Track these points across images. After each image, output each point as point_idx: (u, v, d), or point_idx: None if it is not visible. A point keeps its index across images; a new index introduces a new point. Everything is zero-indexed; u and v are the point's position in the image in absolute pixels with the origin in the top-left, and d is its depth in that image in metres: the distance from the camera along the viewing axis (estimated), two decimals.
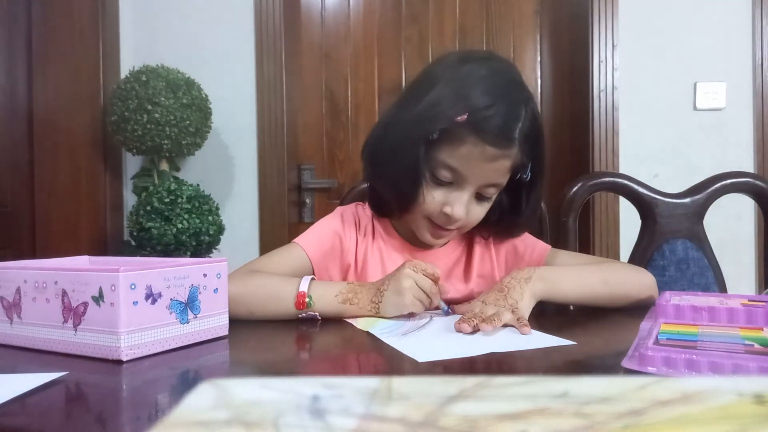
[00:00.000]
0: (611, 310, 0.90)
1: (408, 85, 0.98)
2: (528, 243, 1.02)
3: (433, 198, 0.90)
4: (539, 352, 0.66)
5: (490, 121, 0.84)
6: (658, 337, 0.60)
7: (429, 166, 0.89)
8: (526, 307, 0.81)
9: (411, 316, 0.83)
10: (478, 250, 1.03)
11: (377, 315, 0.83)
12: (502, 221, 0.98)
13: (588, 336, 0.78)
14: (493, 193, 0.91)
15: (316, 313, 0.84)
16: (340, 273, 1.01)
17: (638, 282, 0.93)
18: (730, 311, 0.67)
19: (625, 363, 0.55)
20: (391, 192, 0.95)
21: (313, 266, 0.97)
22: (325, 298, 0.84)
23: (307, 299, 0.83)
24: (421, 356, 0.63)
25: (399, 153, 0.90)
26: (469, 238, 1.03)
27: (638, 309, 0.86)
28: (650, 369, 0.53)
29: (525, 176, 0.91)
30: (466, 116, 0.84)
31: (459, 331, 0.74)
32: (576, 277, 0.89)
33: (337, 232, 1.00)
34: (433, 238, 0.95)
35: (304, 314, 0.84)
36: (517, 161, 0.88)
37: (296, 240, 0.98)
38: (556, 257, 1.00)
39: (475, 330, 0.73)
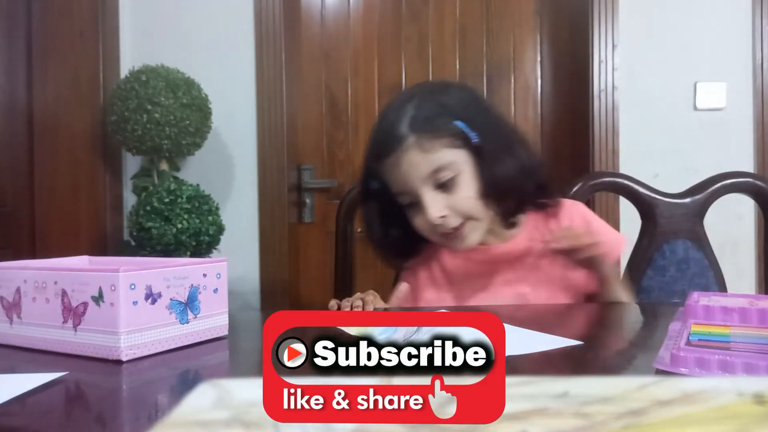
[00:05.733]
0: (616, 311, 0.90)
1: None
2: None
3: (418, 222, 0.96)
4: (541, 352, 0.66)
5: (376, 143, 0.96)
6: (690, 337, 0.59)
7: (397, 203, 0.97)
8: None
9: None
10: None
11: None
12: (499, 194, 0.97)
13: (590, 336, 0.78)
14: (446, 176, 0.92)
15: None
16: None
17: None
18: (761, 312, 0.65)
19: (657, 364, 0.54)
20: (394, 242, 1.03)
21: None
22: None
23: None
24: None
25: (374, 215, 1.02)
26: (536, 226, 1.03)
27: (642, 308, 0.86)
28: (682, 370, 0.51)
29: (473, 141, 0.93)
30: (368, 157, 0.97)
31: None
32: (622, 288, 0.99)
33: None
34: (459, 244, 0.97)
35: None
36: (439, 143, 0.92)
37: None
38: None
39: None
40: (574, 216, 1.03)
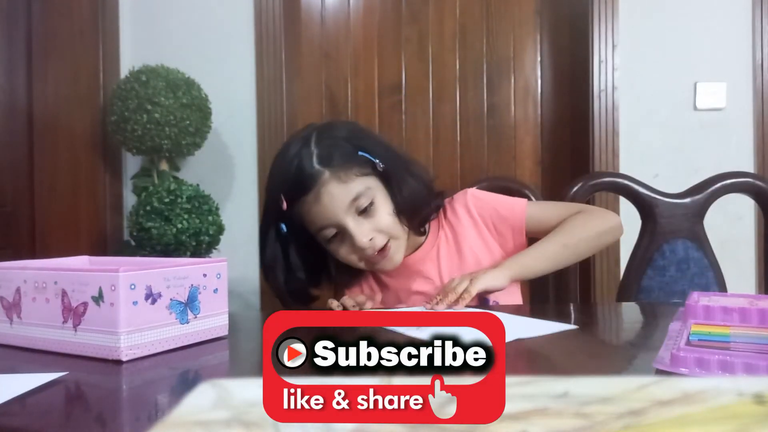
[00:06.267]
0: (614, 309, 0.90)
1: None
2: (507, 205, 1.08)
3: (344, 252, 0.98)
4: (542, 349, 0.66)
5: (288, 186, 0.95)
6: (690, 337, 0.59)
7: (317, 240, 0.99)
8: (488, 279, 0.92)
9: None
10: (460, 231, 1.07)
11: None
12: (412, 209, 1.02)
13: (589, 334, 0.77)
14: (365, 202, 0.96)
15: None
16: None
17: (596, 235, 1.03)
18: (761, 312, 0.65)
19: (657, 364, 0.54)
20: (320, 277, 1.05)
21: None
22: None
23: None
24: None
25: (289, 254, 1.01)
26: (437, 228, 1.08)
27: (642, 308, 0.86)
28: (682, 370, 0.51)
29: (380, 167, 0.98)
30: (284, 202, 0.95)
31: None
32: (539, 253, 1.01)
33: None
34: (387, 264, 1.01)
35: None
36: (351, 173, 0.95)
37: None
38: (532, 212, 1.07)
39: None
40: (469, 204, 1.08)
